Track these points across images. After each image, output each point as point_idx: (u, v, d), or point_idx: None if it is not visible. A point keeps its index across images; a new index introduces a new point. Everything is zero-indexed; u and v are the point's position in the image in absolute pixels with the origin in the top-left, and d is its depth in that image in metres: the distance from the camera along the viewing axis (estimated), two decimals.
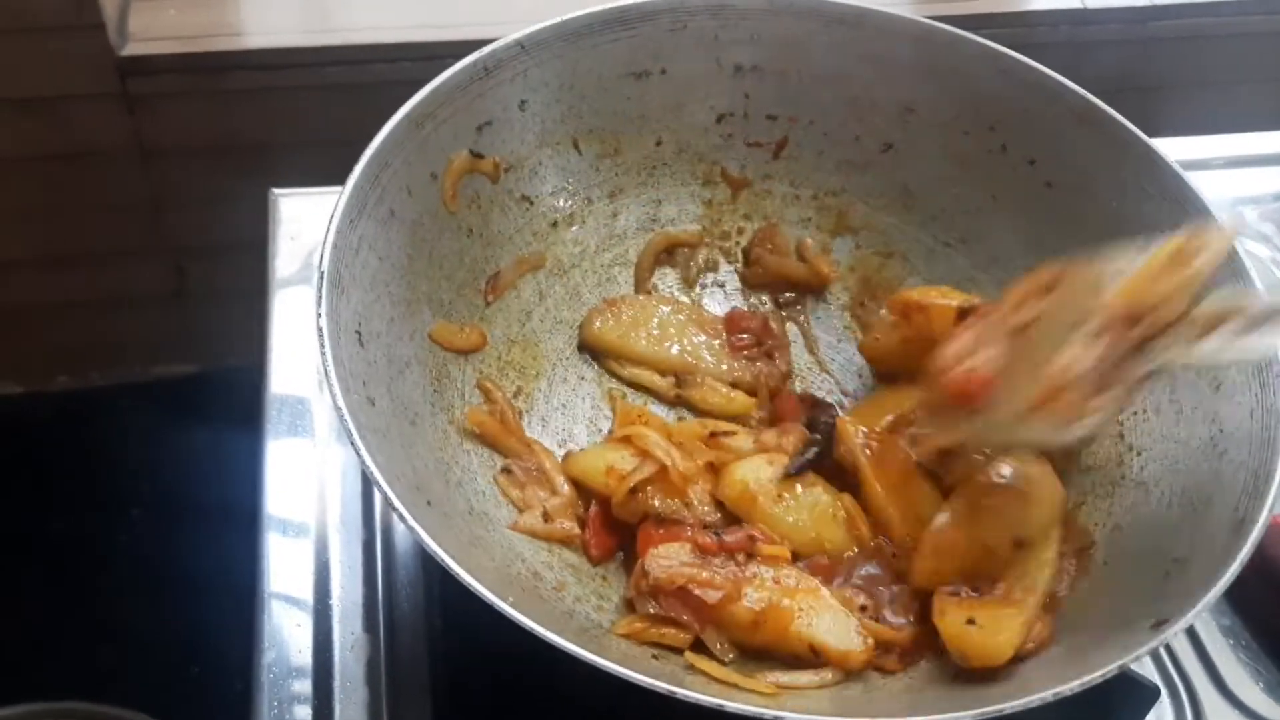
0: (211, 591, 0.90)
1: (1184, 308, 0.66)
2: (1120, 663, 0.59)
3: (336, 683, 0.77)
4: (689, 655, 0.65)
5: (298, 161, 0.94)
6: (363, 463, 0.61)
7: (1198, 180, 0.82)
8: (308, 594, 0.81)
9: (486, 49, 0.84)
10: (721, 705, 0.54)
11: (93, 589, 1.49)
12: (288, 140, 1.27)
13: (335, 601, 0.80)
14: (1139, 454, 0.79)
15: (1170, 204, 0.82)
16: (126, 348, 1.66)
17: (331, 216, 0.72)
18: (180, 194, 1.46)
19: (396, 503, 0.60)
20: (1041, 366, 0.66)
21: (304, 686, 0.77)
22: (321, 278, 0.69)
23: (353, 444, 0.62)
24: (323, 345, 0.66)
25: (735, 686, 0.60)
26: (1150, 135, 0.84)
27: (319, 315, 0.67)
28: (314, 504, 0.86)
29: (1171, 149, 0.84)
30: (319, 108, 1.31)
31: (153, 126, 1.38)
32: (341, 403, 0.63)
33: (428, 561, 0.79)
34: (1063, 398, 0.65)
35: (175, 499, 1.45)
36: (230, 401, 0.96)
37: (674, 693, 0.54)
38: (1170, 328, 0.66)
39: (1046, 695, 0.56)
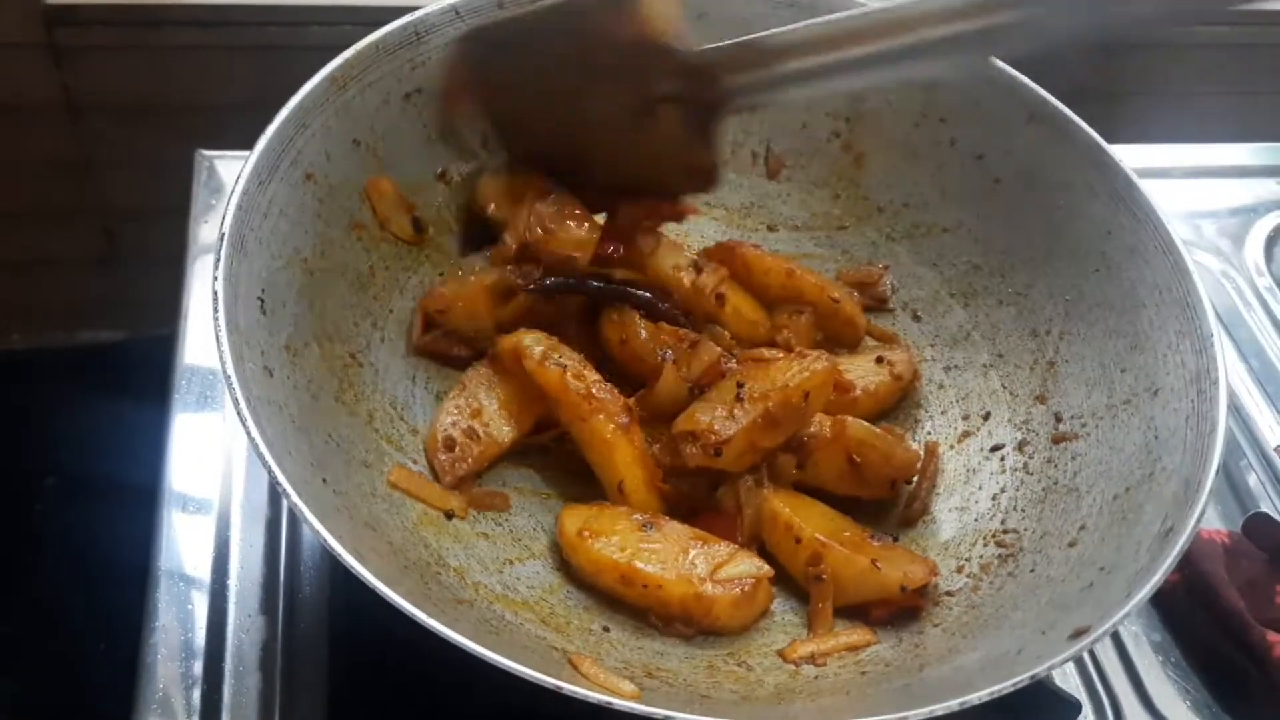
0: (123, 566, 0.86)
1: None
2: (1032, 673, 0.56)
3: (228, 665, 0.73)
4: (574, 658, 0.63)
5: (233, 123, 0.90)
6: (247, 432, 0.57)
7: (1157, 189, 0.81)
8: (205, 573, 0.77)
9: (419, 12, 0.81)
10: (610, 703, 0.52)
11: (2, 557, 1.45)
12: (222, 101, 1.23)
13: (233, 581, 0.77)
14: (1074, 458, 0.78)
15: (1118, 204, 0.81)
16: (51, 311, 1.62)
17: (239, 176, 0.69)
18: (111, 153, 1.42)
19: (278, 474, 0.56)
20: None
21: (195, 668, 0.73)
22: (223, 239, 0.66)
23: (239, 414, 0.58)
24: (216, 309, 0.62)
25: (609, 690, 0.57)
26: (1111, 142, 0.83)
27: (215, 278, 0.64)
28: (219, 480, 0.82)
29: (1132, 156, 0.82)
30: (255, 69, 1.26)
31: (81, 80, 1.34)
32: (231, 370, 0.60)
33: None
34: None
35: (93, 469, 1.40)
36: (156, 371, 0.92)
37: (560, 688, 0.51)
38: None
39: (952, 705, 0.54)
